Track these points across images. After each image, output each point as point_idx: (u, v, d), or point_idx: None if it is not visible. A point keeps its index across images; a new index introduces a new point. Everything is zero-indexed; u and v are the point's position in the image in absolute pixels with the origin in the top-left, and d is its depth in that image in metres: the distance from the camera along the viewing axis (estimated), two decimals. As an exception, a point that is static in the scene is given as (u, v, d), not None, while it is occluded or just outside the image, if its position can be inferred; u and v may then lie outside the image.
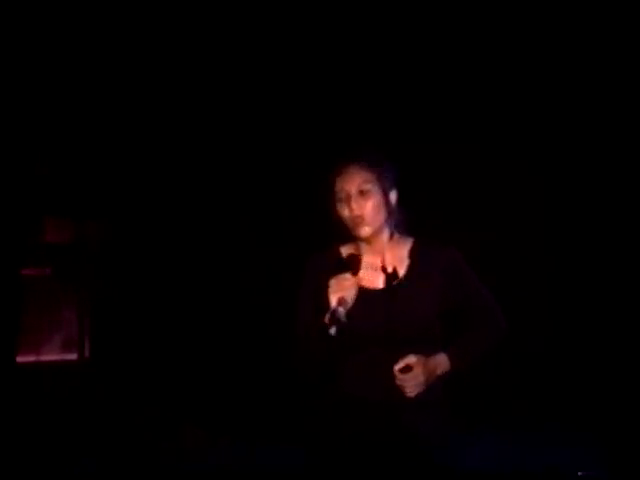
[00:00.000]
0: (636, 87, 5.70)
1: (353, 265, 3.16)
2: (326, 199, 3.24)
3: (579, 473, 3.72)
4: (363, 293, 3.17)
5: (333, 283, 3.11)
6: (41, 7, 5.65)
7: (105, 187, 6.33)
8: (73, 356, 6.27)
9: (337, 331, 3.03)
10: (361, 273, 3.21)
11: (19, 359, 6.16)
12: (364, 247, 3.26)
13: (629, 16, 5.58)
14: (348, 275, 3.12)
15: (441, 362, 3.16)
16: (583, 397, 5.74)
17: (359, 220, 3.19)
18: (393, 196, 3.26)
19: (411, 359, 3.09)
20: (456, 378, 3.21)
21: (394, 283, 3.21)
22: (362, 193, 3.19)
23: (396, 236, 3.28)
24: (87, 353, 6.26)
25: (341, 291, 3.08)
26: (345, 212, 3.20)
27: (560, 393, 5.83)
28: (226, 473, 5.12)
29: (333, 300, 3.07)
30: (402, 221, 3.32)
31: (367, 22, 5.83)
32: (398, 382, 3.08)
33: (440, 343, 3.20)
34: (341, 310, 3.05)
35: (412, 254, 3.24)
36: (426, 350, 3.13)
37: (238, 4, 5.80)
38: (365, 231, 3.21)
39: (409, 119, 5.95)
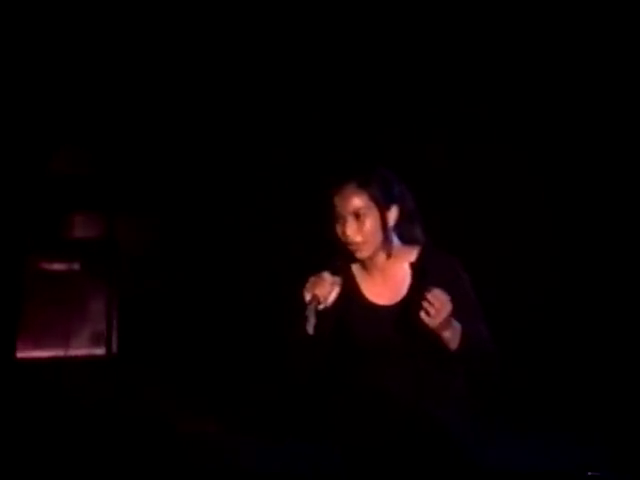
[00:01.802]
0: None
1: (334, 267, 3.15)
2: (325, 213, 3.21)
3: (588, 473, 3.68)
4: (370, 308, 3.16)
5: (310, 280, 3.10)
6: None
7: (134, 182, 6.35)
8: (101, 351, 6.28)
9: (311, 328, 3.04)
10: (368, 289, 3.20)
11: (47, 354, 6.19)
12: (369, 264, 3.22)
13: (629, 16, 5.55)
14: (327, 275, 3.11)
15: (457, 329, 3.07)
16: (593, 395, 5.70)
17: (355, 246, 3.16)
18: (392, 213, 3.19)
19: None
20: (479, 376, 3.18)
21: (398, 300, 3.17)
22: (357, 216, 3.15)
23: (398, 249, 3.22)
24: (115, 348, 6.27)
25: (316, 288, 3.07)
26: (340, 234, 3.17)
27: (570, 391, 5.79)
28: (248, 473, 5.10)
29: (307, 296, 3.07)
30: (408, 232, 3.26)
31: (365, 26, 5.85)
32: (430, 295, 2.99)
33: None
34: (312, 307, 3.06)
35: (415, 267, 3.17)
36: (434, 360, 3.09)
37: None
38: (362, 255, 3.18)
39: (414, 121, 5.94)
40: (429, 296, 2.94)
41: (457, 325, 3.03)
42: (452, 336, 3.02)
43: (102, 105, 6.19)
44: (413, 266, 3.16)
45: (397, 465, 3.10)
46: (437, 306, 2.94)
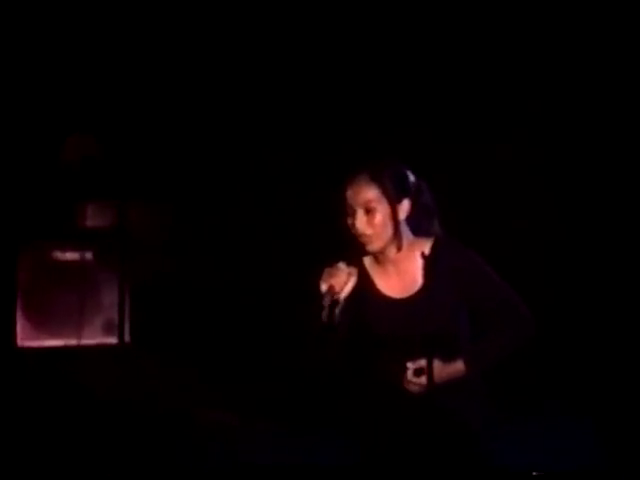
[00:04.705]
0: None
1: (349, 258, 3.15)
2: (338, 207, 3.21)
3: (534, 473, 3.70)
4: (383, 301, 3.16)
5: (326, 271, 3.10)
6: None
7: (145, 171, 6.34)
8: (114, 340, 6.28)
9: (328, 318, 3.04)
10: (381, 281, 3.20)
11: (60, 343, 6.20)
12: (380, 257, 3.22)
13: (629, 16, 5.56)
14: (343, 265, 3.10)
15: (456, 369, 3.11)
16: (585, 384, 5.71)
17: (365, 239, 3.15)
18: (404, 206, 3.18)
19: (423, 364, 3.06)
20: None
21: (412, 292, 3.17)
22: (368, 211, 3.14)
23: (411, 241, 3.21)
24: (128, 337, 6.27)
25: (332, 279, 3.07)
26: (351, 228, 3.16)
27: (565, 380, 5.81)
28: (263, 460, 5.11)
29: (323, 287, 3.07)
30: (424, 225, 3.26)
31: (372, 25, 5.86)
32: (405, 381, 3.06)
33: (466, 344, 3.17)
34: (328, 297, 3.05)
35: (429, 260, 3.17)
36: (448, 353, 3.10)
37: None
38: (372, 248, 3.17)
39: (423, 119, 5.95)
40: (406, 381, 3.08)
41: (452, 368, 3.10)
42: (455, 376, 3.10)
43: (113, 94, 6.18)
44: (425, 257, 3.15)
45: (411, 455, 3.11)
46: (414, 389, 3.07)
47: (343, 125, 6.04)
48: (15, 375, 5.95)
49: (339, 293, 3.09)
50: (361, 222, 3.14)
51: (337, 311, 3.09)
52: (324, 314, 3.06)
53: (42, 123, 6.12)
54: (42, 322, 6.15)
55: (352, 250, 3.20)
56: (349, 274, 3.11)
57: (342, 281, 3.10)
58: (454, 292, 3.14)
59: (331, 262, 3.15)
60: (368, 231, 3.14)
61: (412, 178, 3.22)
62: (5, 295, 6.06)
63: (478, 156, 5.90)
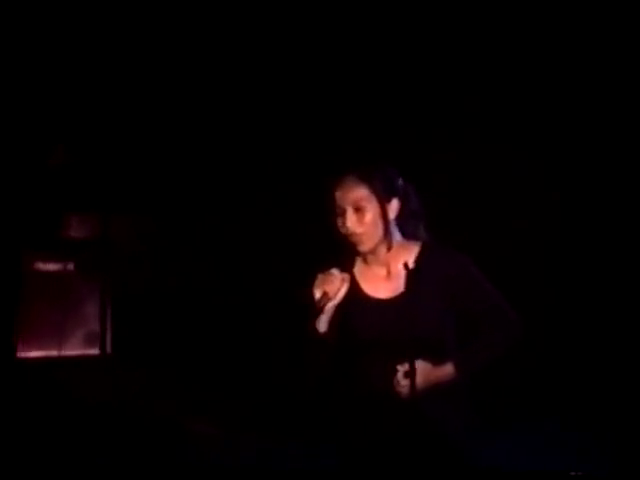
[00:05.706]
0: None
1: (342, 264, 3.17)
2: (328, 209, 3.22)
3: (572, 473, 3.71)
4: (368, 302, 3.17)
5: (319, 277, 3.12)
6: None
7: (128, 183, 6.34)
8: (95, 351, 6.27)
9: (320, 324, 3.07)
10: (366, 283, 3.22)
11: (41, 354, 6.17)
12: (369, 257, 3.23)
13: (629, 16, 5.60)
14: (336, 271, 3.12)
15: (445, 372, 3.13)
16: (589, 394, 5.73)
17: (356, 238, 3.17)
18: (393, 205, 3.20)
19: (418, 365, 3.07)
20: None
21: (397, 293, 3.19)
22: (357, 210, 3.16)
23: (400, 243, 3.23)
24: (109, 349, 6.26)
25: (325, 285, 3.09)
26: (342, 228, 3.18)
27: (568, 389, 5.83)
28: (245, 472, 5.09)
29: (317, 294, 3.09)
30: (411, 228, 3.28)
31: (370, 25, 5.88)
32: (396, 383, 3.07)
33: (452, 348, 3.18)
34: (322, 304, 3.07)
35: (417, 262, 3.19)
36: (433, 356, 3.12)
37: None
38: (363, 247, 3.19)
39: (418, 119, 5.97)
40: (396, 383, 3.06)
41: (441, 372, 3.10)
42: (445, 379, 3.10)
43: (97, 106, 6.19)
44: (412, 261, 3.17)
45: (394, 460, 3.12)
46: (403, 392, 3.06)
47: (336, 130, 6.04)
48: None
49: (333, 300, 3.11)
50: (351, 221, 3.15)
51: (326, 318, 3.11)
52: (318, 322, 3.08)
53: (25, 136, 6.11)
54: (23, 333, 6.13)
55: (344, 256, 3.22)
56: (342, 280, 3.13)
57: (336, 287, 3.11)
58: (443, 298, 3.16)
59: (323, 269, 3.15)
60: (359, 230, 3.15)
61: (400, 180, 3.25)
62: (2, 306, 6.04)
63: (472, 158, 5.91)
